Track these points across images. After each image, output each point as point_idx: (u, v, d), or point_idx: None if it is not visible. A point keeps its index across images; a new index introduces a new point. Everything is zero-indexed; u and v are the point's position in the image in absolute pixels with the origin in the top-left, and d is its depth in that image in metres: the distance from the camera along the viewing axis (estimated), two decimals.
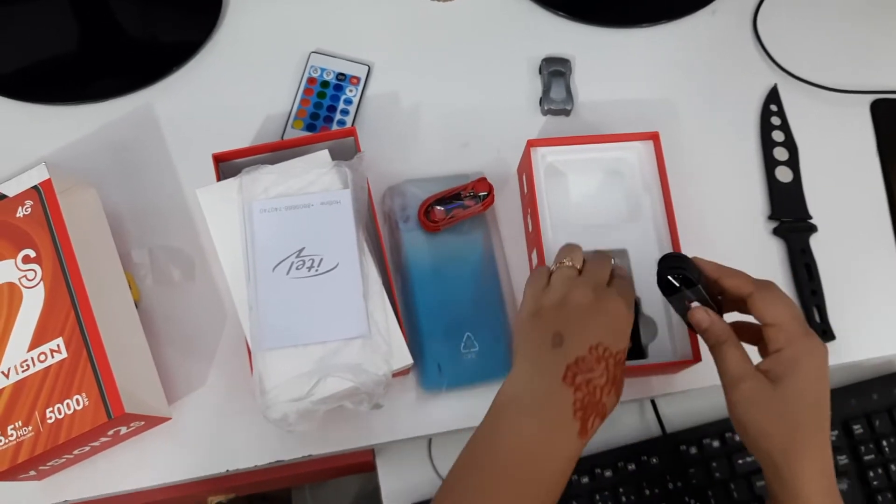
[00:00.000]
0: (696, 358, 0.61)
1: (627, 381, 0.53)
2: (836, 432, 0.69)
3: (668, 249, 0.65)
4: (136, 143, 0.72)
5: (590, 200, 0.67)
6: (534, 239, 0.66)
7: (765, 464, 0.51)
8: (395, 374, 0.60)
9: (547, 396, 0.50)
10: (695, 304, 0.54)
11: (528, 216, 0.68)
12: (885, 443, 0.69)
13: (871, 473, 0.68)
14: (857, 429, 0.69)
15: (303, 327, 0.58)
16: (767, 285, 0.53)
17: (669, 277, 0.54)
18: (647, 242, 0.65)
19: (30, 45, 0.75)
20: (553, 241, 0.65)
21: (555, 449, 0.49)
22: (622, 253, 0.65)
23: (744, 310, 0.54)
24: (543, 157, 0.67)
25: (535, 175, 0.66)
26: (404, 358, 0.59)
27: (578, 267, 0.55)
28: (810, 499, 0.49)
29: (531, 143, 0.67)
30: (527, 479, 0.48)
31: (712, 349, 0.53)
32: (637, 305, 0.62)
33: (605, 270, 0.55)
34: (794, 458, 0.49)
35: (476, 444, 0.50)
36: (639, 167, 0.68)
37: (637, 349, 0.60)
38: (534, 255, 0.66)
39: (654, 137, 0.68)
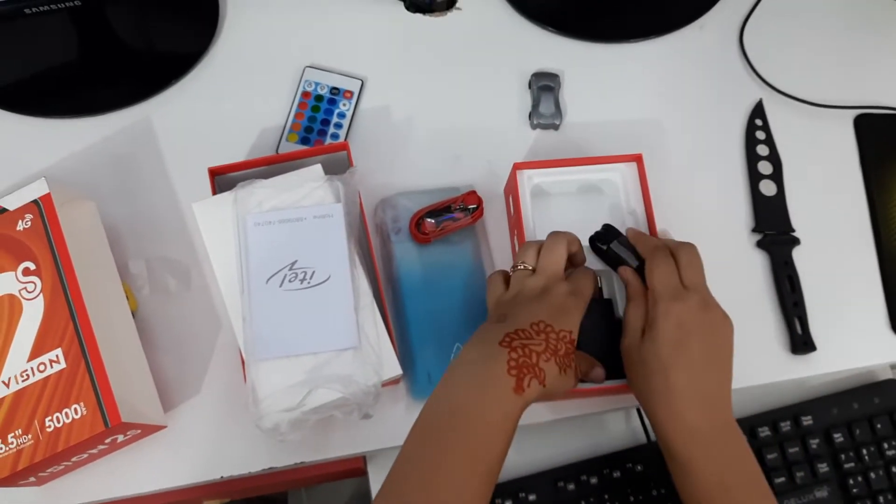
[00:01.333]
0: None
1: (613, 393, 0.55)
2: (817, 440, 0.70)
3: None
4: (134, 156, 0.73)
5: (575, 221, 0.68)
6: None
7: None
8: (385, 384, 0.62)
9: (484, 358, 0.53)
10: (625, 266, 0.62)
11: (515, 236, 0.69)
12: (865, 451, 0.70)
13: (851, 481, 0.69)
14: (838, 437, 0.70)
15: (295, 338, 0.60)
16: (656, 254, 0.60)
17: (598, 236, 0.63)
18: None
19: (29, 59, 0.77)
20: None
21: (490, 401, 0.51)
22: (606, 273, 0.66)
23: None
24: (529, 179, 0.69)
25: (520, 196, 0.68)
26: (394, 369, 0.61)
27: (532, 266, 0.59)
28: (668, 438, 0.55)
29: (517, 166, 0.68)
30: (463, 431, 0.51)
31: (629, 300, 0.60)
32: (611, 306, 0.64)
33: (557, 262, 0.59)
34: (648, 403, 0.56)
35: (424, 406, 0.53)
36: (623, 188, 0.69)
37: (619, 368, 0.60)
38: None
39: (637, 160, 0.69)
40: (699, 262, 0.59)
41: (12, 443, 0.56)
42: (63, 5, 0.69)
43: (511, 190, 0.69)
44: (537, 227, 0.67)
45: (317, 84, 0.76)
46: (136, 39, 0.79)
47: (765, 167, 0.75)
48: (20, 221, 0.61)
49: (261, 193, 0.63)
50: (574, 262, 0.62)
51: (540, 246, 0.60)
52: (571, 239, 0.61)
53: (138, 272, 0.69)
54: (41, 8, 0.69)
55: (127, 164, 0.73)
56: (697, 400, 0.55)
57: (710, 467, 0.54)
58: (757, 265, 0.72)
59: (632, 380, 0.58)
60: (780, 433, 0.70)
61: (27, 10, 0.68)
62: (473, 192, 0.70)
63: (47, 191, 0.61)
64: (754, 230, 0.73)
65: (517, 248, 0.68)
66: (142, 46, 0.79)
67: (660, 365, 0.55)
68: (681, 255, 0.59)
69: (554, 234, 0.61)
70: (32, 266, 0.59)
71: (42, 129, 0.74)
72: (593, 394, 0.65)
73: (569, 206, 0.69)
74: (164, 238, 0.70)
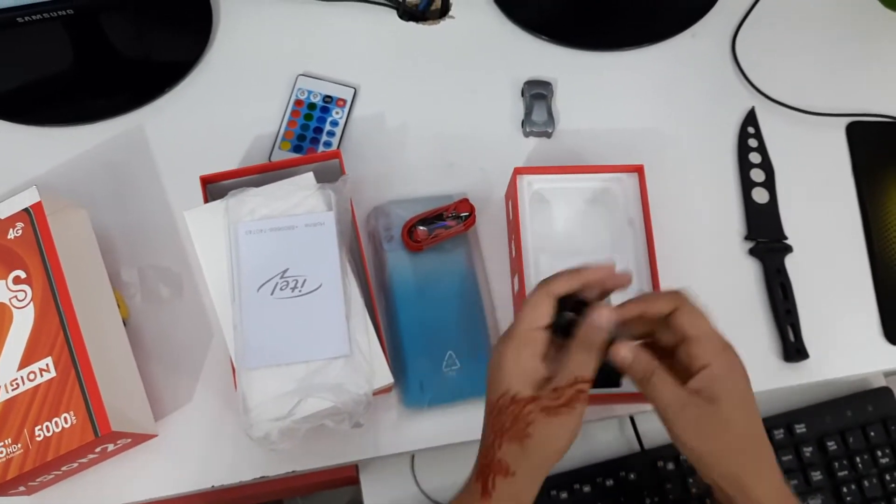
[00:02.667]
0: None
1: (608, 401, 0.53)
2: (810, 448, 0.70)
3: (647, 282, 0.66)
4: (126, 164, 0.73)
5: (573, 228, 0.68)
6: (516, 265, 0.67)
7: (719, 489, 0.51)
8: (377, 393, 0.61)
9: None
10: (617, 343, 0.52)
11: (512, 241, 0.69)
12: (858, 459, 0.70)
13: (845, 489, 0.69)
14: (832, 445, 0.70)
15: (286, 347, 0.60)
16: (687, 298, 0.52)
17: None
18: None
19: (22, 67, 0.77)
20: (535, 267, 0.66)
21: None
22: None
23: (647, 333, 0.54)
24: (529, 185, 0.69)
25: (520, 202, 0.67)
26: (385, 377, 0.60)
27: None
28: None
29: (518, 171, 0.68)
30: None
31: (640, 382, 0.51)
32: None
33: (522, 324, 0.52)
34: (748, 482, 0.50)
35: None
36: (623, 198, 0.69)
37: (608, 377, 0.56)
38: (515, 280, 0.68)
39: (639, 170, 0.69)
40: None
41: (1, 452, 0.55)
42: (56, 14, 0.69)
43: (511, 195, 0.69)
44: (535, 233, 0.67)
45: (310, 92, 0.76)
46: (130, 48, 0.79)
47: (757, 175, 0.76)
48: (11, 230, 0.60)
49: (252, 202, 0.63)
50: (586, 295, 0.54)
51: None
52: (553, 286, 0.53)
53: (130, 280, 0.69)
54: (34, 17, 0.69)
55: (120, 172, 0.73)
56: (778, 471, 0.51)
57: None
58: (749, 273, 0.72)
59: (710, 447, 0.50)
60: (773, 441, 0.70)
61: (20, 19, 0.68)
62: (465, 200, 0.70)
63: (38, 199, 0.61)
64: (747, 238, 0.73)
65: (513, 254, 0.68)
66: (135, 54, 0.79)
67: (753, 432, 0.50)
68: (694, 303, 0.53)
69: (533, 294, 0.53)
70: (23, 274, 0.59)
71: (35, 137, 0.74)
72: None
73: (568, 213, 0.69)
74: (157, 246, 0.70)
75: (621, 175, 0.69)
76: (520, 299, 0.65)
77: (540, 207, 0.69)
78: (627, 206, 0.68)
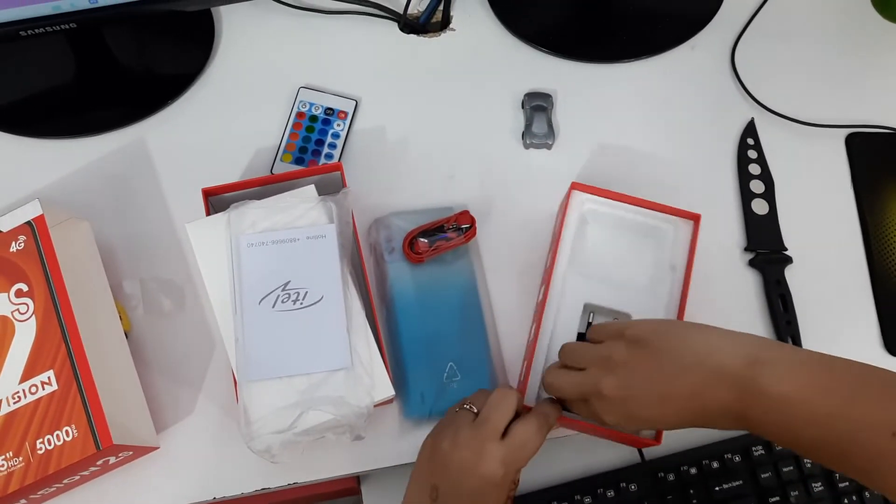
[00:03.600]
0: (658, 441, 0.61)
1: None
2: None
3: None
4: (128, 176, 0.74)
5: (613, 258, 0.66)
6: (546, 276, 0.67)
7: (723, 413, 0.49)
8: (378, 405, 0.62)
9: None
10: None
11: (550, 253, 0.69)
12: None
13: (846, 501, 0.69)
14: None
15: (287, 359, 0.60)
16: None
17: None
18: (653, 315, 0.65)
19: (26, 80, 0.77)
20: (563, 283, 0.66)
21: None
22: (625, 316, 0.65)
23: None
24: (581, 203, 0.68)
25: (567, 216, 0.67)
26: (386, 390, 0.61)
27: (475, 411, 0.55)
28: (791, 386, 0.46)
29: (574, 186, 0.68)
30: None
31: (572, 404, 0.56)
32: None
33: (495, 418, 0.54)
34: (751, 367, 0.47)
35: None
36: (672, 242, 0.67)
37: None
38: (541, 292, 0.68)
39: (695, 219, 0.68)
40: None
41: (3, 465, 0.56)
42: (59, 27, 0.70)
43: (562, 208, 0.69)
44: (574, 251, 0.67)
45: (311, 105, 0.76)
46: (132, 60, 0.80)
47: (757, 186, 0.76)
48: (13, 243, 0.61)
49: (254, 214, 0.64)
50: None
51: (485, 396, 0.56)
52: (520, 400, 0.56)
53: (132, 292, 0.69)
54: (37, 30, 0.69)
55: (122, 184, 0.73)
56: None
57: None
58: (749, 284, 0.72)
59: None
60: (775, 452, 0.70)
61: (23, 33, 0.69)
62: (466, 212, 0.70)
63: (41, 212, 0.61)
64: (746, 249, 0.73)
65: (547, 265, 0.68)
66: (137, 67, 0.80)
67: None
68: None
69: (504, 389, 0.56)
70: (25, 287, 0.59)
71: (37, 150, 0.74)
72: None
73: (612, 241, 0.68)
74: (159, 258, 0.70)
75: (676, 219, 0.68)
76: (541, 311, 0.65)
77: (586, 227, 0.68)
78: (675, 251, 0.67)
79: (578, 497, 0.68)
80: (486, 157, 0.76)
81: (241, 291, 0.61)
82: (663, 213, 0.68)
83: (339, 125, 0.76)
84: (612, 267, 0.66)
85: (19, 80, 0.77)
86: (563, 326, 0.65)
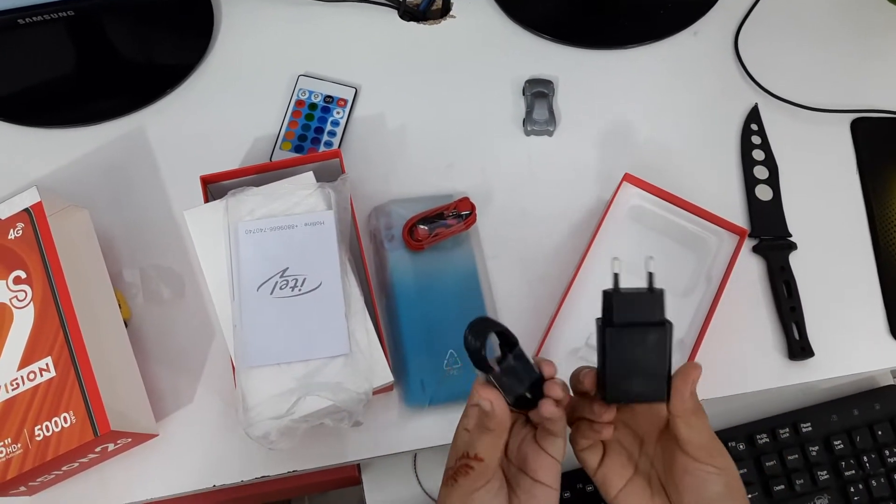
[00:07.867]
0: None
1: None
2: (816, 447, 0.70)
3: (690, 342, 0.65)
4: (128, 165, 0.73)
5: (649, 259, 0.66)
6: (580, 260, 0.68)
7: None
8: (378, 392, 0.61)
9: None
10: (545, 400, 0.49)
11: (590, 238, 0.69)
12: (865, 458, 0.69)
13: (852, 489, 0.69)
14: (838, 444, 0.70)
15: (285, 346, 0.59)
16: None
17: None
18: (677, 324, 0.62)
19: (24, 69, 0.77)
20: (592, 270, 0.67)
21: None
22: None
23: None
24: (630, 196, 0.68)
25: (612, 206, 0.68)
26: (385, 376, 0.60)
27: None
28: None
29: (627, 177, 0.68)
30: None
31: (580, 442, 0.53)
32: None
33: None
34: None
35: None
36: (714, 253, 0.68)
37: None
38: (574, 273, 0.68)
39: (742, 234, 0.68)
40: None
41: (1, 452, 0.56)
42: (58, 15, 0.70)
43: (612, 196, 0.70)
44: (611, 242, 0.67)
45: (311, 92, 0.76)
46: (131, 49, 0.80)
47: (761, 172, 0.75)
48: (11, 230, 0.61)
49: (252, 201, 0.63)
50: None
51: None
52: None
53: (132, 280, 0.69)
54: (36, 18, 0.69)
55: (121, 173, 0.73)
56: None
57: None
58: (753, 270, 0.71)
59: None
60: (779, 440, 0.70)
61: (21, 21, 0.69)
62: (466, 199, 0.69)
63: (39, 199, 0.61)
64: (750, 235, 0.72)
65: (584, 249, 0.68)
66: (136, 56, 0.80)
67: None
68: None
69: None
70: (23, 275, 0.59)
71: (37, 139, 0.74)
72: None
73: (654, 241, 0.67)
74: (159, 246, 0.70)
75: (722, 231, 0.69)
76: (566, 294, 0.67)
77: (630, 221, 0.68)
78: (714, 263, 0.68)
79: (581, 486, 0.68)
80: (486, 144, 0.75)
81: (240, 278, 0.61)
82: (710, 221, 0.68)
83: (338, 113, 0.75)
84: (644, 267, 0.65)
85: (19, 69, 0.77)
86: (586, 309, 0.66)
